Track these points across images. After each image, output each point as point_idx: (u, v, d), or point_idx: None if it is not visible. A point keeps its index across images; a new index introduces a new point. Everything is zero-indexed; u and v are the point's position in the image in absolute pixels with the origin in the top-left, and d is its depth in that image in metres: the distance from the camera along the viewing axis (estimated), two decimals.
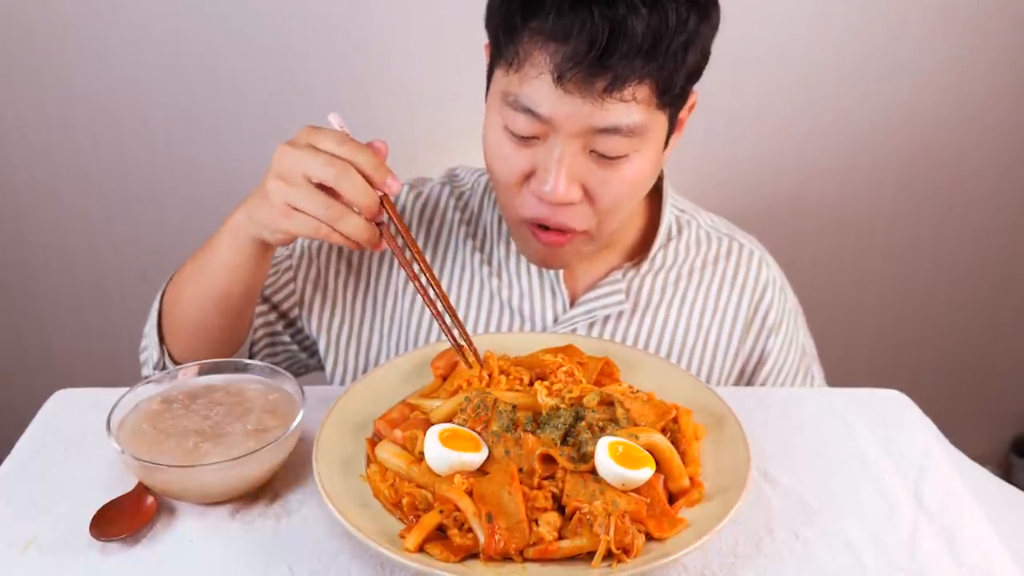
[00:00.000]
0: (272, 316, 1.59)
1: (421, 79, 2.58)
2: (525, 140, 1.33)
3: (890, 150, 2.76)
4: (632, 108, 1.28)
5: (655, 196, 1.61)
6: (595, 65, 1.23)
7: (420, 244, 1.60)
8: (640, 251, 1.61)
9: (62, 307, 2.77)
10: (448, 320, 1.28)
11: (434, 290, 1.29)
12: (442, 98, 2.60)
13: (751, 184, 2.75)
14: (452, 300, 1.57)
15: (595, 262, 1.58)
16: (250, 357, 1.56)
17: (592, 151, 1.32)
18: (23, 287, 2.74)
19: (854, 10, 2.59)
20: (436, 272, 1.59)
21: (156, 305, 1.48)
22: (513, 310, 1.57)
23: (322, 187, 1.21)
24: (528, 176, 1.36)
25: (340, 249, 1.60)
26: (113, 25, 2.47)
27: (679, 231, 1.63)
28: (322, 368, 1.66)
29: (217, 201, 2.62)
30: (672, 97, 1.32)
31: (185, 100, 2.56)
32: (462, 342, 1.27)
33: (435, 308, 1.27)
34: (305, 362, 1.67)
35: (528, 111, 1.30)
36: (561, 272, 1.55)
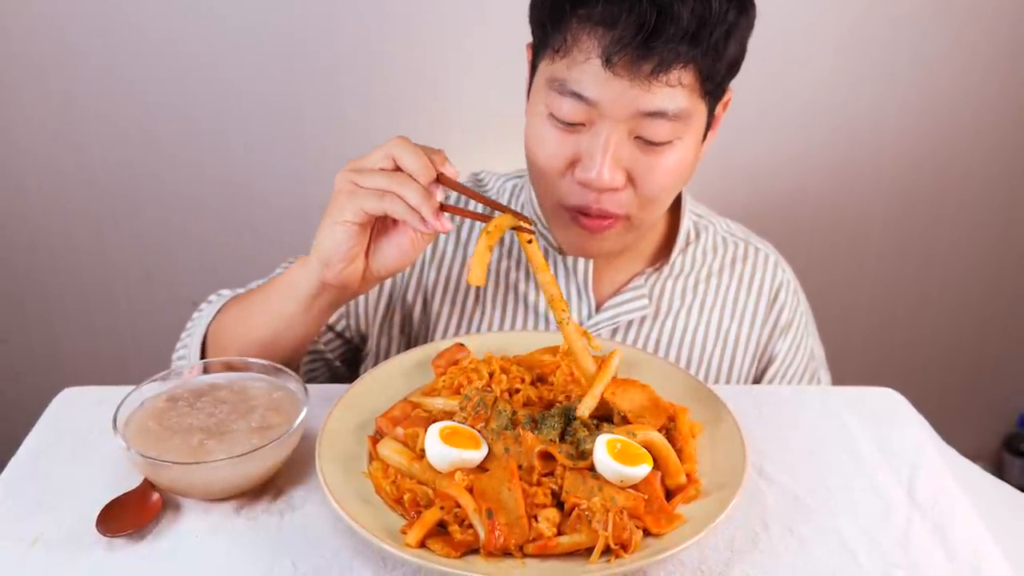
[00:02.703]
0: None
1: (423, 79, 2.58)
2: (570, 127, 1.35)
3: (884, 152, 2.77)
4: (677, 93, 1.30)
5: (674, 202, 1.63)
6: (642, 48, 1.26)
7: (450, 249, 1.61)
8: (661, 256, 1.62)
9: (69, 307, 2.77)
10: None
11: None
12: (445, 98, 2.60)
13: (747, 185, 2.75)
14: (480, 303, 1.59)
15: (620, 268, 1.59)
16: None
17: (637, 137, 1.33)
18: (31, 288, 2.74)
19: (850, 16, 2.59)
20: (464, 275, 1.60)
21: (198, 340, 1.47)
22: (539, 314, 1.57)
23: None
24: (572, 164, 1.37)
25: None
26: (112, 28, 2.47)
27: (697, 236, 1.65)
28: (354, 375, 1.67)
29: (220, 201, 2.64)
30: (714, 85, 1.35)
31: (186, 102, 2.56)
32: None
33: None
34: (341, 374, 1.68)
35: (575, 95, 1.32)
36: (590, 275, 1.56)
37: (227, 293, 1.57)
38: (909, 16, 2.60)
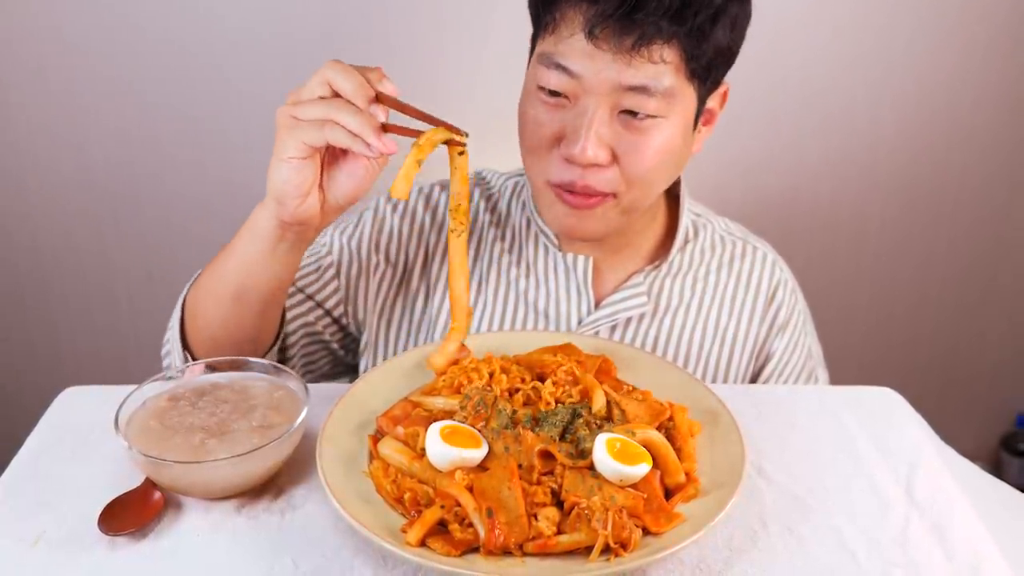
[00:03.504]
0: (312, 316, 1.58)
1: (426, 79, 2.57)
2: (557, 101, 1.37)
3: (881, 152, 2.76)
4: (660, 70, 1.32)
5: (673, 200, 1.64)
6: (624, 20, 1.28)
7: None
8: (660, 254, 1.63)
9: (71, 307, 2.77)
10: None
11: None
12: (447, 98, 2.59)
13: (744, 185, 2.75)
14: (480, 300, 1.59)
15: (619, 265, 1.60)
16: (284, 357, 1.55)
17: (622, 112, 1.34)
18: (33, 288, 2.74)
19: (846, 15, 2.59)
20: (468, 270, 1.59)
21: (178, 312, 1.46)
22: (539, 312, 1.57)
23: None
24: (558, 140, 1.38)
25: (377, 242, 1.60)
26: (115, 29, 2.47)
27: (695, 234, 1.65)
28: (355, 367, 1.68)
29: (221, 201, 2.64)
30: (700, 68, 1.36)
31: (186, 102, 2.56)
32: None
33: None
34: (342, 360, 1.68)
35: (560, 67, 1.34)
36: (589, 273, 1.56)
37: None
38: (905, 8, 2.60)
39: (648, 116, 1.35)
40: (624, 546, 1.01)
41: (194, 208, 2.66)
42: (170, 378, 1.25)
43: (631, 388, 1.27)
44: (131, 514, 1.10)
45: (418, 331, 1.61)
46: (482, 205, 1.65)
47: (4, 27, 2.45)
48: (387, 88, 1.22)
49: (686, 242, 1.64)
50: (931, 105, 2.73)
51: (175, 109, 2.56)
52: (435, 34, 2.54)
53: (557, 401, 1.20)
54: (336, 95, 1.20)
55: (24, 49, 2.48)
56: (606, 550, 1.00)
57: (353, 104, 1.19)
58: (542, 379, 1.25)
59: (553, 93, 1.37)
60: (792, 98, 2.69)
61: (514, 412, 1.16)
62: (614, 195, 1.41)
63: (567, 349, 1.31)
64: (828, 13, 2.60)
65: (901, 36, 2.64)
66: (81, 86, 2.52)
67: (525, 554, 1.02)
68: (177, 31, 2.48)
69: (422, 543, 1.02)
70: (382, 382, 1.29)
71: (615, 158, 1.37)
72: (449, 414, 1.17)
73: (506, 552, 1.01)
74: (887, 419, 1.34)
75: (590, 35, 1.30)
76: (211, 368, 1.28)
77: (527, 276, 1.59)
